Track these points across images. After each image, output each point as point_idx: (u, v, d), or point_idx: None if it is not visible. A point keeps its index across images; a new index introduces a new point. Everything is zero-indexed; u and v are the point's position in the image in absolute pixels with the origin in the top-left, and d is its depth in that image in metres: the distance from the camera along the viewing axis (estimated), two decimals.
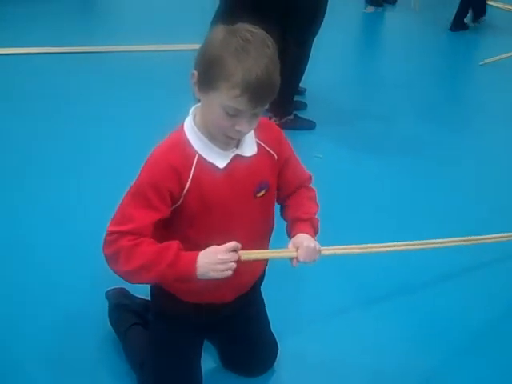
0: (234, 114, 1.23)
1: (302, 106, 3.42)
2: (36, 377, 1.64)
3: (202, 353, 1.62)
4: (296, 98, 3.32)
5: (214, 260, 1.27)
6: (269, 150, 1.41)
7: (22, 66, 3.74)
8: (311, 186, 1.55)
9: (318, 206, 1.52)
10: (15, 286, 1.95)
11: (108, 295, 1.83)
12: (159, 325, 1.58)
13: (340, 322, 1.91)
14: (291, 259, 1.39)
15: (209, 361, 1.71)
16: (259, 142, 1.38)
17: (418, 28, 5.26)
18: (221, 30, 1.23)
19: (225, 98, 1.21)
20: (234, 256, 1.29)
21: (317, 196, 1.54)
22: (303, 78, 3.23)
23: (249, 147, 1.36)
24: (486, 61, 4.23)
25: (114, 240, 1.28)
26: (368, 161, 2.94)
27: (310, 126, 3.22)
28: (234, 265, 1.28)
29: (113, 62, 3.89)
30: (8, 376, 1.64)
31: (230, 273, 1.28)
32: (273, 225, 1.51)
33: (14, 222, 2.26)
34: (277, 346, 1.71)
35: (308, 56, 3.09)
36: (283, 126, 3.14)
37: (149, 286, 1.58)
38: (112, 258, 1.29)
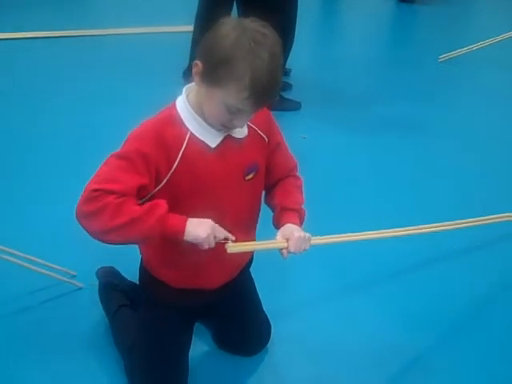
0: (234, 112, 1.24)
1: (288, 86, 3.44)
2: (20, 361, 1.65)
3: (195, 336, 1.63)
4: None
5: (203, 232, 1.27)
6: (260, 132, 1.41)
7: (13, 50, 3.74)
8: (298, 174, 1.55)
9: (303, 196, 1.52)
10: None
11: (98, 274, 1.84)
12: (149, 310, 1.57)
13: (329, 306, 1.92)
14: (281, 251, 1.38)
15: (201, 343, 1.72)
16: (250, 124, 1.38)
17: (407, 9, 5.28)
18: (232, 28, 1.22)
19: (231, 97, 1.21)
20: (221, 236, 1.29)
21: (303, 185, 1.54)
22: (288, 59, 3.24)
23: (240, 129, 1.35)
24: (444, 57, 4.08)
25: (99, 196, 1.22)
26: (353, 141, 2.97)
27: (295, 106, 3.24)
28: (213, 243, 1.29)
29: (106, 45, 3.89)
30: None
31: (208, 248, 1.28)
32: (259, 212, 1.51)
33: (11, 200, 2.30)
34: (269, 325, 1.71)
35: (291, 38, 3.10)
36: (268, 107, 3.17)
37: (138, 270, 1.58)
38: (94, 214, 1.23)
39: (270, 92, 1.23)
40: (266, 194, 1.53)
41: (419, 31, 5.00)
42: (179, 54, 3.27)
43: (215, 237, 1.29)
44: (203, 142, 1.31)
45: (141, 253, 1.53)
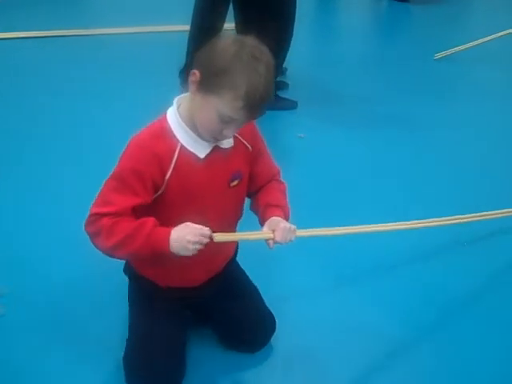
0: (226, 121, 1.30)
1: (284, 85, 3.45)
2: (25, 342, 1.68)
3: (193, 334, 1.65)
4: (277, 78, 3.35)
5: (185, 239, 1.31)
6: (244, 142, 1.47)
7: (9, 49, 3.76)
8: (281, 179, 1.60)
9: (287, 199, 1.56)
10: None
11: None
12: (141, 305, 1.61)
13: (322, 299, 1.93)
14: (267, 241, 1.42)
15: (199, 340, 1.72)
16: (235, 134, 1.43)
17: (402, 8, 5.29)
18: (231, 43, 1.30)
19: (225, 106, 1.28)
20: (204, 240, 1.32)
21: (286, 189, 1.58)
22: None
23: (227, 139, 1.41)
24: (439, 55, 4.10)
25: (95, 220, 1.35)
26: (350, 139, 2.98)
27: (291, 105, 3.25)
28: (201, 246, 1.33)
29: (102, 45, 3.91)
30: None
31: (196, 252, 1.33)
32: (241, 216, 1.57)
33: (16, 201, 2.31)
34: (273, 319, 1.70)
35: (288, 39, 3.11)
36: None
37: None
38: (94, 236, 1.36)
39: (263, 104, 1.30)
40: (250, 202, 1.58)
41: (414, 30, 5.02)
42: (176, 53, 3.28)
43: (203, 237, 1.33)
44: (193, 153, 1.38)
45: None
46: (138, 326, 1.59)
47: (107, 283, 1.88)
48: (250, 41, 1.31)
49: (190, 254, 1.33)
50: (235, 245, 1.67)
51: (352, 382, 1.67)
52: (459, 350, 1.79)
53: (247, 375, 1.66)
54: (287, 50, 3.17)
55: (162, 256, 1.35)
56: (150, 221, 1.35)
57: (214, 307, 1.64)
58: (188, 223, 1.33)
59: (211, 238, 1.34)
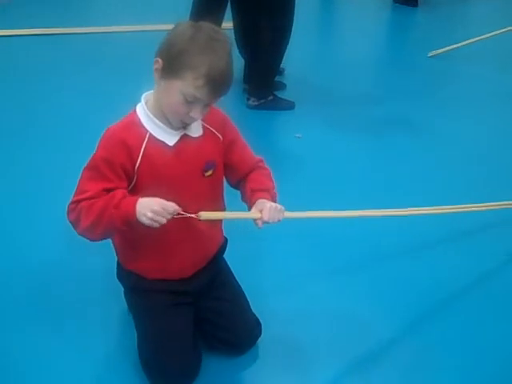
0: (191, 102, 1.35)
1: (281, 86, 3.45)
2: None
3: None
4: (275, 79, 3.35)
5: (148, 208, 1.32)
6: (214, 131, 1.51)
7: (12, 46, 3.79)
8: (265, 166, 1.62)
9: (273, 183, 1.58)
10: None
11: None
12: (140, 306, 1.63)
13: (307, 292, 1.95)
14: (256, 221, 1.44)
15: None
16: (204, 124, 1.49)
17: (401, 10, 5.30)
18: (188, 27, 1.37)
19: (187, 86, 1.33)
20: (165, 214, 1.33)
21: (271, 174, 1.60)
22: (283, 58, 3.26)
23: (195, 129, 1.47)
24: (433, 52, 4.15)
25: (74, 208, 1.41)
26: (347, 139, 2.98)
27: (289, 106, 3.25)
28: (162, 219, 1.32)
29: (103, 43, 3.92)
30: None
31: (156, 225, 1.33)
32: (222, 206, 1.59)
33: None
34: (258, 326, 1.71)
35: (286, 39, 3.11)
36: (262, 107, 3.18)
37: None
38: (76, 223, 1.41)
39: (225, 82, 1.36)
40: (240, 193, 1.59)
41: (411, 31, 5.03)
42: None
43: (167, 212, 1.33)
44: (162, 141, 1.43)
45: (114, 247, 1.61)
46: (143, 328, 1.61)
47: (98, 272, 1.91)
48: (206, 24, 1.38)
49: (148, 222, 1.33)
50: (221, 239, 1.68)
51: (340, 373, 1.69)
52: (446, 343, 1.80)
53: (234, 367, 1.67)
54: (285, 48, 3.17)
55: (131, 226, 1.36)
56: (120, 192, 1.38)
57: (202, 307, 1.65)
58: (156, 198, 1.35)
59: (197, 215, 1.36)
